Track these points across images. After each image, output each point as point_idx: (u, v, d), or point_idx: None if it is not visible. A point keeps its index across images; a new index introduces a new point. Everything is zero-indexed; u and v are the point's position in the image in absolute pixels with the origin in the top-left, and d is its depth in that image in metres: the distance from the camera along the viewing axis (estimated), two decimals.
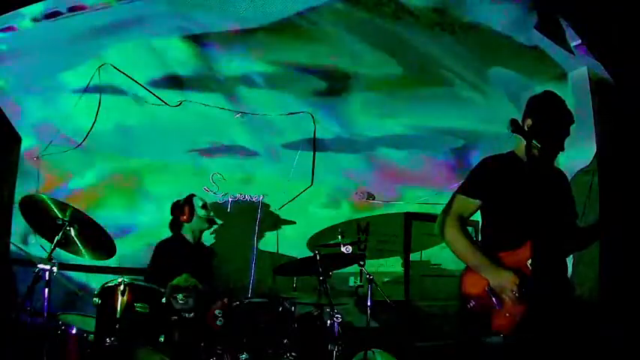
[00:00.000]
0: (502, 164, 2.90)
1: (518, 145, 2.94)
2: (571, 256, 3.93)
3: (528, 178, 2.77)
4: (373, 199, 6.22)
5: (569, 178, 4.07)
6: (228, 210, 5.62)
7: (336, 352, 3.79)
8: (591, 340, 2.87)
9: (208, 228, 4.61)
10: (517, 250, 2.73)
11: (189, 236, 4.46)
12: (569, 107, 2.91)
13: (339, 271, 4.57)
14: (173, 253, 4.27)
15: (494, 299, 2.66)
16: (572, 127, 2.91)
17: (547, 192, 2.74)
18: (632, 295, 3.52)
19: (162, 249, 4.34)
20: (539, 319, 2.59)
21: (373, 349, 4.30)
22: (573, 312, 2.82)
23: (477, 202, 2.86)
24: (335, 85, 5.17)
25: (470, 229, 2.97)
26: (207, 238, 4.95)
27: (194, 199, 4.51)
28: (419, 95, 5.13)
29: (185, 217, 4.43)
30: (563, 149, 2.84)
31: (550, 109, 2.87)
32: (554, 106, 2.90)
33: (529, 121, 2.86)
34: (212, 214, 4.61)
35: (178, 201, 4.54)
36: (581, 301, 3.73)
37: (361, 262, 4.43)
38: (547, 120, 2.83)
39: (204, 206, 4.52)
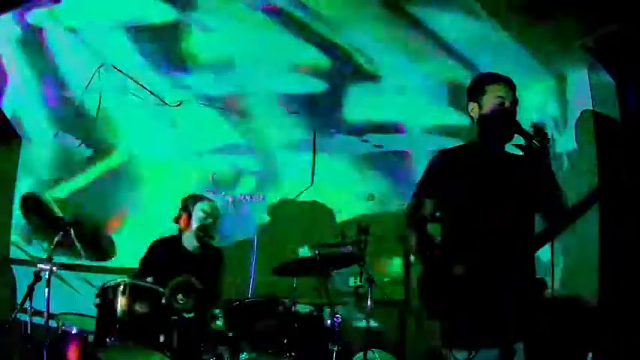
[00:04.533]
0: (453, 157, 2.76)
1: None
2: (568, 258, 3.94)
3: (484, 166, 2.65)
4: (373, 199, 6.21)
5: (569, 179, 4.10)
6: (228, 210, 5.62)
7: (336, 352, 3.79)
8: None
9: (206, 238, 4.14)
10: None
11: (187, 242, 4.17)
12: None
13: (339, 271, 4.57)
14: (162, 258, 4.02)
15: None
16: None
17: (508, 179, 2.62)
18: (633, 298, 3.52)
19: (153, 252, 4.10)
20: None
21: (373, 349, 4.30)
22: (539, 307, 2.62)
23: (432, 200, 2.73)
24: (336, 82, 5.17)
25: None
26: None
27: (195, 207, 4.13)
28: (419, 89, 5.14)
29: (182, 224, 4.14)
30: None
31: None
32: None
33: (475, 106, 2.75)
34: (210, 224, 4.11)
35: (185, 198, 4.22)
36: (578, 301, 3.73)
37: (361, 262, 4.42)
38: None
39: (205, 218, 4.09)
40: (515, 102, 2.70)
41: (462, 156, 2.74)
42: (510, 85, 2.72)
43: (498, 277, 2.49)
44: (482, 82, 2.76)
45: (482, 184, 2.62)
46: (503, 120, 2.64)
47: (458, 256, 2.56)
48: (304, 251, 5.16)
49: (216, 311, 3.57)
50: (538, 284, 2.62)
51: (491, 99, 2.68)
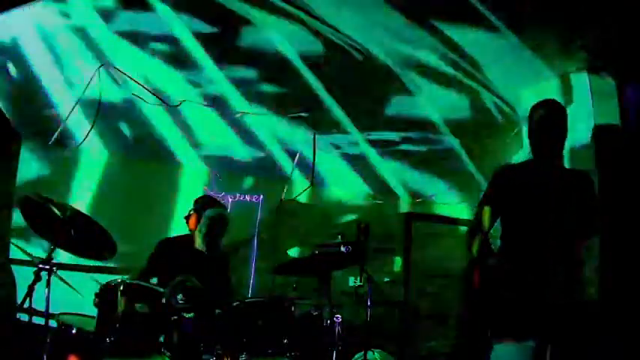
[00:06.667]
0: (512, 171, 3.12)
1: None
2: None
3: (537, 182, 2.95)
4: (374, 199, 6.22)
5: None
6: (228, 210, 5.61)
7: (336, 352, 3.79)
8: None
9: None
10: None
11: (197, 242, 4.17)
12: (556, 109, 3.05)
13: (339, 271, 4.57)
14: (173, 255, 4.02)
15: None
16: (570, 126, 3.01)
17: (557, 194, 2.88)
18: (632, 298, 3.52)
19: (162, 250, 4.10)
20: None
21: (373, 349, 4.30)
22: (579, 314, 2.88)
23: (490, 209, 2.99)
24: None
25: None
26: None
27: (205, 213, 4.10)
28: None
29: (191, 225, 4.13)
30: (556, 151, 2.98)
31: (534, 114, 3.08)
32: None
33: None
34: (217, 230, 4.11)
35: (197, 200, 4.24)
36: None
37: (361, 262, 4.42)
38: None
39: (212, 225, 4.09)
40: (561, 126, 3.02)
41: (520, 170, 3.10)
42: (557, 109, 3.06)
43: (549, 275, 2.79)
44: (533, 108, 3.09)
45: (537, 194, 2.94)
46: (549, 140, 2.99)
47: (514, 257, 2.89)
48: (293, 252, 5.19)
49: (217, 311, 3.56)
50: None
51: (537, 124, 3.02)
